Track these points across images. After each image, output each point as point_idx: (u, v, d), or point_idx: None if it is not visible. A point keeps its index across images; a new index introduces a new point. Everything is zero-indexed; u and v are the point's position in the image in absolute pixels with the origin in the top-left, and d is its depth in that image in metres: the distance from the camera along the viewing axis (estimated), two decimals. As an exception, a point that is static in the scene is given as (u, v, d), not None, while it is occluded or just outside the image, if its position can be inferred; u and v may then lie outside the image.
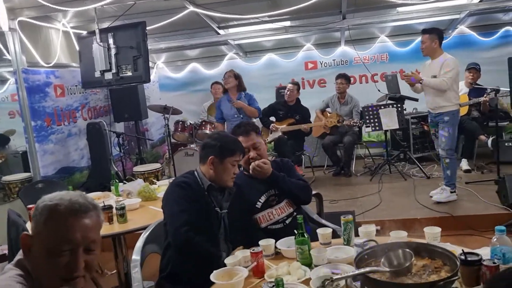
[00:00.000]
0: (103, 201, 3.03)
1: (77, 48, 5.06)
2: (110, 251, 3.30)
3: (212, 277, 1.88)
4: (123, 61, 4.57)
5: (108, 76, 4.59)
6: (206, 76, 7.65)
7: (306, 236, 2.00)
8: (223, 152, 2.33)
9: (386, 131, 6.13)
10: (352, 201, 5.03)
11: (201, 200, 2.31)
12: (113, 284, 3.53)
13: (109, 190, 3.80)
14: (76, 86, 5.48)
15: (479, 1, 5.73)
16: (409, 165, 6.25)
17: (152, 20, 5.07)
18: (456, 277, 1.47)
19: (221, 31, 6.35)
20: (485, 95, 5.65)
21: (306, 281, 1.78)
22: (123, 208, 2.93)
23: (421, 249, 1.69)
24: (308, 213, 2.96)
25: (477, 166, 5.77)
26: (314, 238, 2.20)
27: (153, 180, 4.46)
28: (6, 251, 3.49)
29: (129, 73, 4.56)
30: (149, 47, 4.86)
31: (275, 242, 2.18)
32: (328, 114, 6.33)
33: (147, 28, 4.69)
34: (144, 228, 2.61)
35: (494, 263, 1.58)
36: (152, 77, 5.76)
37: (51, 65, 5.01)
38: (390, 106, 5.81)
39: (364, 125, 5.91)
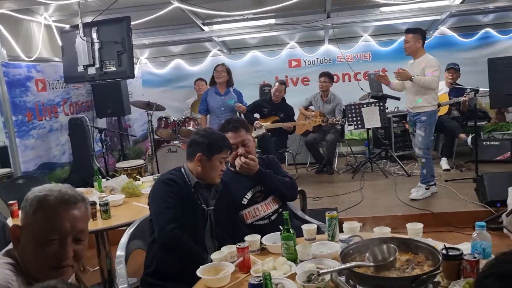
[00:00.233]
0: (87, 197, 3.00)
1: (60, 42, 4.99)
2: (92, 247, 3.28)
3: (199, 272, 1.89)
4: (107, 56, 4.53)
5: (92, 71, 4.55)
6: (190, 73, 7.63)
7: (291, 232, 2.02)
8: (210, 149, 2.33)
9: (368, 129, 6.21)
10: (334, 198, 5.09)
11: (188, 197, 2.30)
12: (95, 281, 3.51)
13: (92, 186, 3.77)
14: (58, 80, 5.41)
15: (460, 3, 5.84)
16: (390, 163, 6.34)
17: (136, 15, 5.03)
18: (438, 271, 1.52)
19: (205, 28, 6.34)
20: (464, 95, 5.77)
21: (292, 276, 1.80)
22: (106, 204, 2.92)
23: (405, 244, 1.72)
24: (293, 209, 2.98)
25: (456, 165, 5.88)
26: (299, 234, 2.23)
27: (137, 176, 4.44)
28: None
29: (113, 68, 4.52)
30: (132, 42, 4.82)
31: (261, 238, 2.20)
32: (312, 112, 6.38)
33: (131, 23, 4.66)
34: (128, 224, 2.60)
35: (474, 257, 1.63)
36: (135, 73, 5.71)
37: (32, 59, 4.94)
38: (373, 104, 5.89)
39: (347, 123, 5.97)
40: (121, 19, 4.58)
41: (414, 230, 2.05)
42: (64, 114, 5.58)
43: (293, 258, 2.00)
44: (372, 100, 6.14)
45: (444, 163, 5.91)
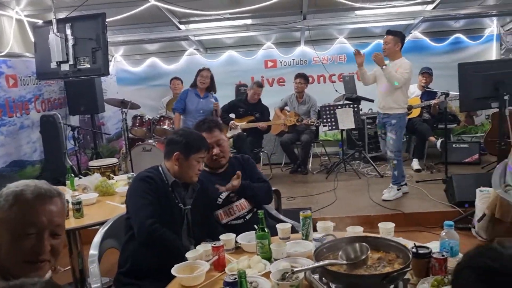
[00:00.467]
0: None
1: (32, 37, 4.88)
2: (64, 247, 3.22)
3: (174, 271, 1.89)
4: (81, 52, 4.46)
5: (65, 67, 4.47)
6: (166, 71, 7.58)
7: (266, 231, 2.04)
8: (188, 148, 2.34)
9: (342, 130, 6.29)
10: (308, 198, 5.14)
11: (165, 196, 2.31)
12: (66, 280, 3.45)
13: (64, 185, 3.71)
14: (29, 77, 5.30)
15: (433, 8, 5.99)
16: (363, 164, 6.45)
17: (111, 12, 4.97)
18: (408, 269, 1.56)
19: (182, 26, 6.31)
20: (435, 98, 5.92)
21: (266, 274, 1.82)
22: (79, 203, 2.88)
23: (376, 243, 1.77)
24: (267, 209, 3.01)
25: (427, 166, 6.02)
26: (274, 233, 2.25)
27: (110, 175, 4.38)
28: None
29: (87, 65, 4.46)
30: (107, 40, 4.76)
31: (236, 237, 2.22)
32: (287, 113, 6.43)
33: (107, 20, 4.60)
34: (101, 223, 2.58)
35: (443, 255, 1.69)
36: (109, 70, 5.64)
37: (3, 54, 4.81)
38: (347, 106, 5.97)
39: (321, 124, 6.04)
40: (96, 15, 4.52)
41: (386, 229, 2.10)
42: (35, 111, 5.46)
43: (268, 257, 2.02)
44: (346, 101, 6.23)
45: (415, 164, 6.04)
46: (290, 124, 6.11)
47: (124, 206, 2.71)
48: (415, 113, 6.09)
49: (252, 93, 6.08)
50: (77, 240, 3.19)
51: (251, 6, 5.38)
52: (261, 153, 6.46)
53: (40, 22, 4.83)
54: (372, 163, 6.05)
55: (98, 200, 3.27)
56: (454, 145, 6.18)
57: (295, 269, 1.62)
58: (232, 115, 6.22)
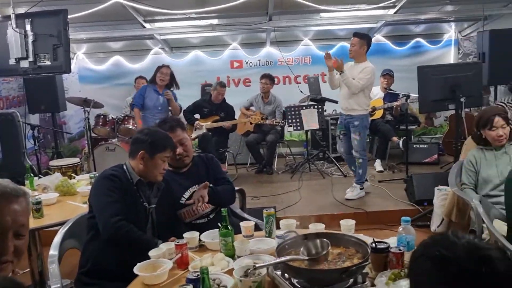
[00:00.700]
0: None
1: (-11, 33, 4.71)
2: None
3: (136, 269, 1.88)
4: (42, 49, 4.32)
5: (24, 64, 4.32)
6: (130, 70, 7.46)
7: (229, 229, 2.05)
8: (153, 147, 2.33)
9: (307, 131, 6.38)
10: (273, 197, 5.18)
11: (129, 195, 2.29)
12: (26, 283, 3.35)
13: (23, 185, 3.61)
14: (-14, 73, 5.11)
15: (394, 13, 6.15)
16: (327, 164, 6.54)
17: (74, 8, 4.85)
18: (367, 263, 1.61)
19: (147, 25, 6.23)
20: (397, 100, 6.08)
21: (230, 271, 1.84)
22: (39, 202, 2.81)
23: (337, 239, 1.82)
24: (232, 208, 3.02)
25: (389, 166, 6.18)
26: (238, 232, 2.27)
27: (72, 174, 4.28)
28: None
29: (48, 62, 4.32)
30: (69, 37, 4.65)
31: (199, 235, 2.22)
32: (253, 113, 6.46)
33: (68, 16, 4.49)
34: (61, 223, 2.52)
35: (400, 250, 1.75)
36: (71, 68, 5.49)
37: (-43, 49, 4.62)
38: (311, 107, 6.05)
39: (287, 125, 6.10)
40: (58, 11, 4.39)
41: (347, 226, 2.15)
42: (-8, 108, 5.28)
43: (231, 254, 2.04)
44: (311, 102, 6.31)
45: (378, 164, 6.19)
46: (255, 121, 6.13)
47: (86, 206, 2.67)
48: (378, 114, 6.24)
49: (216, 93, 6.08)
50: (37, 241, 3.11)
51: (217, 6, 5.38)
52: (227, 153, 6.46)
53: (-2, 17, 4.67)
54: (336, 163, 6.15)
55: (58, 200, 3.20)
56: (414, 146, 6.36)
57: (257, 265, 1.64)
58: (197, 116, 6.20)
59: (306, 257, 1.64)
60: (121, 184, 2.26)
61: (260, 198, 5.15)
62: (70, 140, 7.18)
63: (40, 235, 3.14)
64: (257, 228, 2.41)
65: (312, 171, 6.22)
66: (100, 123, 6.10)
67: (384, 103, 6.26)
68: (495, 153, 3.13)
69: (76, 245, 2.46)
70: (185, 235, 2.16)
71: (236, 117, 6.34)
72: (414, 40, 7.41)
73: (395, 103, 6.09)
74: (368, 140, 6.78)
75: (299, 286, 1.62)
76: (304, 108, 6.04)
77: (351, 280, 1.61)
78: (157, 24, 6.42)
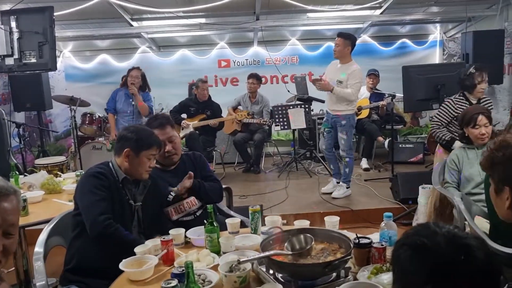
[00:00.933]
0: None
1: (-26, 29, 4.67)
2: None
3: (122, 265, 1.89)
4: (27, 46, 4.30)
5: (10, 61, 4.29)
6: (117, 69, 7.41)
7: (215, 225, 2.07)
8: (139, 145, 2.33)
9: (294, 130, 6.41)
10: (260, 196, 5.21)
11: (115, 192, 2.29)
12: (10, 282, 3.31)
13: (8, 183, 3.57)
14: (-30, 71, 5.05)
15: (380, 13, 6.22)
16: (314, 163, 6.58)
17: (60, 6, 4.83)
18: (349, 257, 1.64)
19: (134, 23, 6.21)
20: (384, 100, 6.15)
21: (215, 267, 1.86)
22: (24, 200, 2.80)
23: (321, 234, 1.85)
24: (219, 206, 3.03)
25: (375, 165, 6.24)
26: (224, 229, 2.29)
27: (58, 173, 4.26)
28: None
29: (34, 60, 4.30)
30: (55, 34, 4.62)
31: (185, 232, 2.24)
32: (239, 112, 6.47)
33: (55, 13, 4.47)
34: (47, 221, 2.51)
35: (382, 245, 1.79)
36: (57, 66, 5.46)
37: None
38: (299, 106, 6.08)
39: (274, 124, 6.12)
40: (44, 8, 4.37)
41: (331, 222, 2.18)
42: (-23, 106, 5.22)
43: (217, 250, 2.06)
44: (298, 102, 6.35)
45: (364, 163, 6.24)
46: (241, 118, 6.14)
47: (71, 203, 2.66)
48: (364, 114, 6.30)
49: (200, 90, 6.08)
50: (22, 240, 3.09)
51: (205, 5, 5.38)
52: (214, 152, 6.47)
53: (-18, 14, 4.63)
54: (323, 162, 6.19)
55: (44, 198, 3.19)
56: (400, 145, 6.43)
57: (242, 259, 1.66)
58: (184, 115, 6.20)
59: (290, 252, 1.67)
60: (107, 182, 2.26)
61: (247, 196, 5.17)
62: (56, 139, 7.12)
63: (25, 234, 3.12)
64: (243, 225, 2.43)
65: (299, 170, 6.26)
66: (87, 122, 6.07)
67: (370, 103, 6.32)
68: (477, 152, 3.19)
69: (62, 242, 2.46)
70: (171, 231, 2.18)
71: (224, 115, 6.35)
72: (400, 41, 7.49)
73: (380, 103, 6.16)
74: (354, 140, 6.84)
75: (283, 281, 1.65)
76: (291, 107, 6.07)
77: (334, 274, 1.65)
78: (145, 23, 6.41)
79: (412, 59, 7.36)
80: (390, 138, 5.89)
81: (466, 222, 2.80)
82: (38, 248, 2.26)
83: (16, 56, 4.33)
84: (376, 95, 6.38)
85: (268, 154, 7.10)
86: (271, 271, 1.71)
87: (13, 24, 4.32)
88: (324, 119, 5.10)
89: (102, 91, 7.32)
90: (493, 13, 6.00)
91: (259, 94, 6.44)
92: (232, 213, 2.94)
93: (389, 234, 1.88)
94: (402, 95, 5.33)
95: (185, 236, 2.22)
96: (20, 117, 6.00)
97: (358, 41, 7.25)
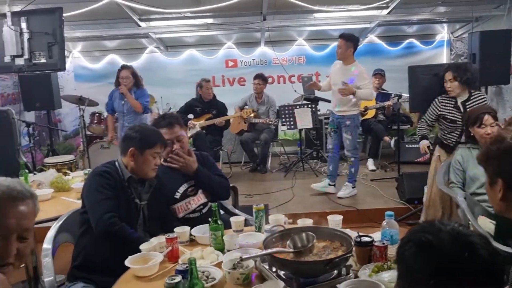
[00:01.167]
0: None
1: (-15, 30, 4.74)
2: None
3: (127, 262, 1.93)
4: (37, 47, 4.36)
5: (20, 62, 4.35)
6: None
7: (219, 223, 2.11)
8: (143, 144, 2.36)
9: (300, 130, 6.43)
10: (266, 195, 5.24)
11: (121, 191, 2.33)
12: (20, 278, 3.39)
13: (17, 181, 3.63)
14: (-19, 71, 5.13)
15: (387, 13, 6.22)
16: (321, 163, 6.59)
17: (69, 7, 4.88)
18: (349, 255, 1.67)
19: (142, 24, 6.26)
20: (389, 100, 6.15)
21: (219, 265, 1.89)
22: (33, 198, 2.84)
23: (323, 233, 1.87)
24: (224, 204, 3.06)
25: (381, 165, 6.25)
26: (229, 227, 2.32)
27: (67, 171, 4.33)
28: None
29: (43, 60, 4.36)
30: (65, 35, 4.69)
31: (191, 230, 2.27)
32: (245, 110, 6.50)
33: (64, 14, 4.53)
34: (55, 219, 2.56)
35: (383, 243, 1.81)
36: (67, 66, 5.54)
37: (-47, 46, 4.65)
38: (305, 106, 6.10)
39: (280, 124, 6.15)
40: (53, 9, 4.43)
41: (334, 221, 2.21)
42: (-12, 106, 5.31)
43: (221, 248, 2.09)
44: (304, 102, 6.37)
45: (370, 163, 6.24)
46: (246, 115, 6.16)
47: (80, 201, 2.71)
48: (371, 114, 6.31)
49: (205, 90, 6.13)
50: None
51: (212, 6, 5.42)
52: (221, 152, 6.50)
53: (-7, 14, 4.70)
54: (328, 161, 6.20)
55: (53, 196, 3.25)
56: (407, 145, 6.42)
57: (244, 256, 1.70)
58: (191, 116, 6.24)
59: (292, 250, 1.69)
60: (113, 181, 2.30)
61: (253, 196, 5.21)
62: (65, 138, 7.21)
63: (35, 232, 3.17)
64: (248, 224, 2.46)
65: (306, 170, 6.28)
66: (95, 121, 6.14)
67: (377, 103, 6.32)
68: (481, 152, 3.19)
69: (70, 239, 2.50)
70: (176, 229, 2.21)
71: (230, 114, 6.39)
72: (407, 41, 7.49)
73: (387, 103, 6.15)
74: (361, 140, 6.85)
75: (285, 278, 1.67)
76: (297, 107, 6.09)
77: (336, 272, 1.67)
78: (152, 23, 6.46)
79: (420, 59, 7.36)
80: (396, 138, 5.89)
81: (469, 222, 2.81)
82: (47, 244, 2.31)
83: (26, 56, 4.39)
84: (382, 95, 6.38)
85: (275, 153, 7.13)
86: (273, 269, 1.74)
87: (24, 25, 4.38)
88: (330, 119, 5.11)
89: (110, 91, 7.39)
90: (500, 13, 5.97)
91: (265, 94, 6.47)
92: (237, 211, 2.96)
93: (390, 233, 1.90)
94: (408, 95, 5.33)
95: (190, 234, 2.25)
96: (29, 116, 6.08)
97: (364, 41, 7.34)
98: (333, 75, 4.85)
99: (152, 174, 2.43)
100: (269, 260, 1.74)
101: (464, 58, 6.94)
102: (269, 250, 1.68)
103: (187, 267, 1.61)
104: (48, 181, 3.41)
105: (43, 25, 4.36)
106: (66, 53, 5.23)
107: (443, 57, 7.48)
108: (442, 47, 7.51)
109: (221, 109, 6.22)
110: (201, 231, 2.27)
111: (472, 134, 3.23)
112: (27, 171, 3.60)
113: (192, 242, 2.24)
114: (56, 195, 3.28)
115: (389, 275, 1.62)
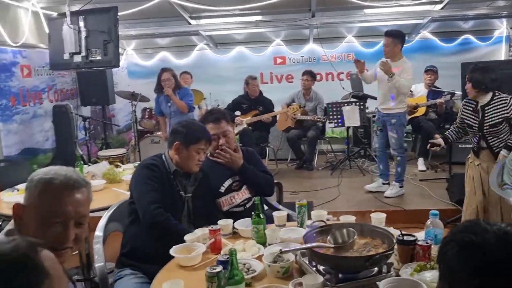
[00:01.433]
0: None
1: (46, 29, 5.02)
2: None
3: (172, 251, 2.00)
4: (93, 44, 4.58)
5: (77, 59, 4.59)
6: (176, 66, 7.62)
7: (262, 217, 2.14)
8: (188, 139, 2.42)
9: (348, 128, 6.35)
10: (312, 193, 5.22)
11: (167, 183, 2.40)
12: (74, 264, 3.57)
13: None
14: (43, 67, 5.44)
15: (441, 8, 6.01)
16: (368, 161, 6.49)
17: (123, 6, 5.08)
18: (390, 252, 1.65)
19: (192, 22, 6.40)
20: (442, 97, 5.95)
21: (260, 258, 1.92)
22: (87, 188, 2.99)
23: (364, 230, 1.86)
24: (268, 200, 3.09)
25: (432, 165, 6.06)
26: (271, 222, 2.35)
27: (119, 164, 4.51)
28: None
29: (99, 57, 4.57)
30: (119, 33, 4.88)
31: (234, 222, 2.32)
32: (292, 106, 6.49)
33: (119, 13, 4.72)
34: (107, 208, 2.69)
35: (427, 243, 1.77)
36: (121, 63, 5.77)
37: (18, 44, 4.95)
38: (353, 104, 6.02)
39: (328, 121, 6.10)
40: (109, 9, 4.64)
41: (377, 219, 2.18)
42: (48, 101, 5.61)
43: (262, 242, 2.12)
44: (353, 99, 6.29)
45: (420, 163, 6.06)
46: (293, 111, 6.16)
47: (129, 192, 2.83)
48: (421, 111, 6.13)
49: (251, 87, 6.18)
50: (85, 225, 3.31)
51: (261, 3, 5.46)
52: (267, 148, 6.54)
53: (54, 14, 4.97)
54: (377, 160, 6.09)
55: (105, 186, 3.40)
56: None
57: (283, 249, 1.72)
58: (238, 113, 6.31)
59: (332, 245, 1.70)
60: (159, 173, 2.38)
61: (298, 193, 5.20)
62: (118, 132, 7.49)
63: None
64: (290, 219, 2.48)
65: (353, 168, 6.20)
66: (146, 117, 6.35)
67: (427, 100, 6.13)
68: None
69: (119, 228, 2.61)
70: (219, 222, 2.26)
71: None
72: (463, 37, 7.20)
73: (438, 100, 5.95)
74: (410, 139, 6.68)
75: (325, 273, 1.68)
76: (345, 105, 6.02)
77: (376, 269, 1.66)
78: (203, 21, 6.59)
79: (475, 56, 7.06)
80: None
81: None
82: (98, 232, 2.44)
83: (83, 53, 4.62)
84: (434, 93, 6.18)
85: (322, 151, 7.07)
86: (313, 263, 1.75)
87: (81, 23, 4.61)
88: (376, 118, 5.03)
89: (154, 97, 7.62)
90: None
91: (313, 91, 6.44)
92: (280, 207, 2.99)
93: (435, 232, 1.86)
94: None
95: (233, 227, 2.30)
96: (86, 111, 6.38)
97: (417, 38, 7.13)
98: (380, 72, 4.75)
99: (196, 169, 2.49)
100: (309, 254, 1.75)
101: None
102: (309, 245, 1.69)
103: (228, 258, 1.65)
104: (101, 172, 3.57)
105: (99, 24, 4.57)
106: (120, 50, 5.44)
107: (501, 54, 7.13)
108: (501, 43, 7.16)
109: (268, 106, 6.25)
110: (244, 225, 2.31)
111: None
112: (82, 162, 3.79)
113: (234, 235, 2.29)
114: (107, 186, 3.43)
115: (432, 275, 1.59)
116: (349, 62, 7.41)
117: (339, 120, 5.99)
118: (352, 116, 5.94)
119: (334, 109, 6.01)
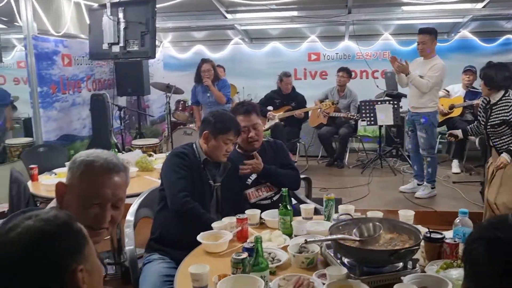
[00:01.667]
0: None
1: (87, 19, 5.17)
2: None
3: (199, 237, 2.04)
4: (131, 35, 4.68)
5: (116, 49, 4.71)
6: (211, 59, 7.74)
7: (289, 208, 2.16)
8: (217, 129, 2.46)
9: (380, 126, 6.27)
10: (341, 190, 5.19)
11: (196, 171, 2.45)
12: (106, 248, 3.69)
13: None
14: (83, 57, 5.61)
15: (483, 7, 5.84)
16: (400, 161, 6.39)
17: (162, -2, 5.19)
18: (416, 247, 1.64)
19: (228, 15, 6.45)
20: (479, 98, 5.78)
21: (285, 248, 1.94)
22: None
23: (391, 225, 1.85)
24: (297, 194, 3.10)
25: (466, 168, 5.91)
26: (299, 216, 2.37)
27: (151, 153, 4.61)
28: (6, 209, 3.66)
29: (136, 48, 4.68)
30: (156, 25, 4.98)
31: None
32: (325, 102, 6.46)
33: (157, 6, 4.81)
34: (138, 195, 2.76)
35: (455, 241, 1.75)
36: (157, 56, 5.88)
37: (60, 34, 5.13)
38: (387, 102, 5.94)
39: (360, 119, 6.04)
40: (147, 1, 4.73)
41: (405, 216, 2.17)
42: (87, 89, 5.79)
43: (289, 233, 2.14)
44: (386, 98, 6.20)
45: (455, 165, 5.92)
46: (325, 108, 6.13)
47: (160, 181, 2.90)
48: (457, 112, 5.98)
49: (284, 84, 6.18)
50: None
51: (297, -2, 5.47)
52: (298, 144, 6.53)
53: (95, 5, 5.11)
54: (409, 160, 5.99)
55: (137, 174, 3.50)
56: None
57: (308, 240, 1.73)
58: (270, 108, 6.33)
59: (357, 238, 1.70)
60: (189, 162, 2.43)
61: (328, 189, 5.16)
62: (152, 123, 7.63)
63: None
64: (317, 213, 2.49)
65: (384, 167, 6.12)
66: (180, 108, 6.44)
67: (464, 101, 5.98)
68: None
69: (149, 214, 2.69)
70: (247, 211, 2.29)
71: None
72: (505, 37, 6.95)
73: (475, 101, 5.79)
74: (445, 141, 6.52)
75: (349, 266, 1.69)
76: (379, 103, 5.94)
77: (401, 264, 1.65)
78: (238, 15, 6.63)
79: (517, 57, 6.82)
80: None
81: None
82: (130, 217, 2.51)
83: (121, 44, 4.74)
84: (471, 94, 6.01)
85: (353, 149, 7.00)
86: (338, 255, 1.76)
87: (121, 15, 4.72)
88: (406, 118, 4.97)
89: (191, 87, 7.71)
90: None
91: (347, 88, 6.39)
92: (308, 201, 3.00)
93: (463, 231, 1.83)
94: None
95: (260, 218, 2.33)
96: (122, 101, 6.54)
97: (456, 37, 6.95)
98: (412, 68, 4.68)
99: (224, 159, 2.52)
100: (334, 246, 1.76)
101: None
102: (334, 236, 1.70)
103: (253, 245, 1.68)
104: (134, 160, 3.66)
105: (138, 15, 4.67)
106: (157, 42, 5.54)
107: (545, 55, 6.88)
108: (545, 44, 6.90)
109: (300, 101, 6.24)
110: (271, 215, 2.33)
111: None
112: (116, 150, 3.90)
113: (261, 225, 2.31)
114: (140, 173, 3.53)
115: (458, 273, 1.57)
116: (384, 60, 7.30)
117: (372, 119, 5.92)
118: (385, 115, 5.87)
119: (367, 107, 5.94)
